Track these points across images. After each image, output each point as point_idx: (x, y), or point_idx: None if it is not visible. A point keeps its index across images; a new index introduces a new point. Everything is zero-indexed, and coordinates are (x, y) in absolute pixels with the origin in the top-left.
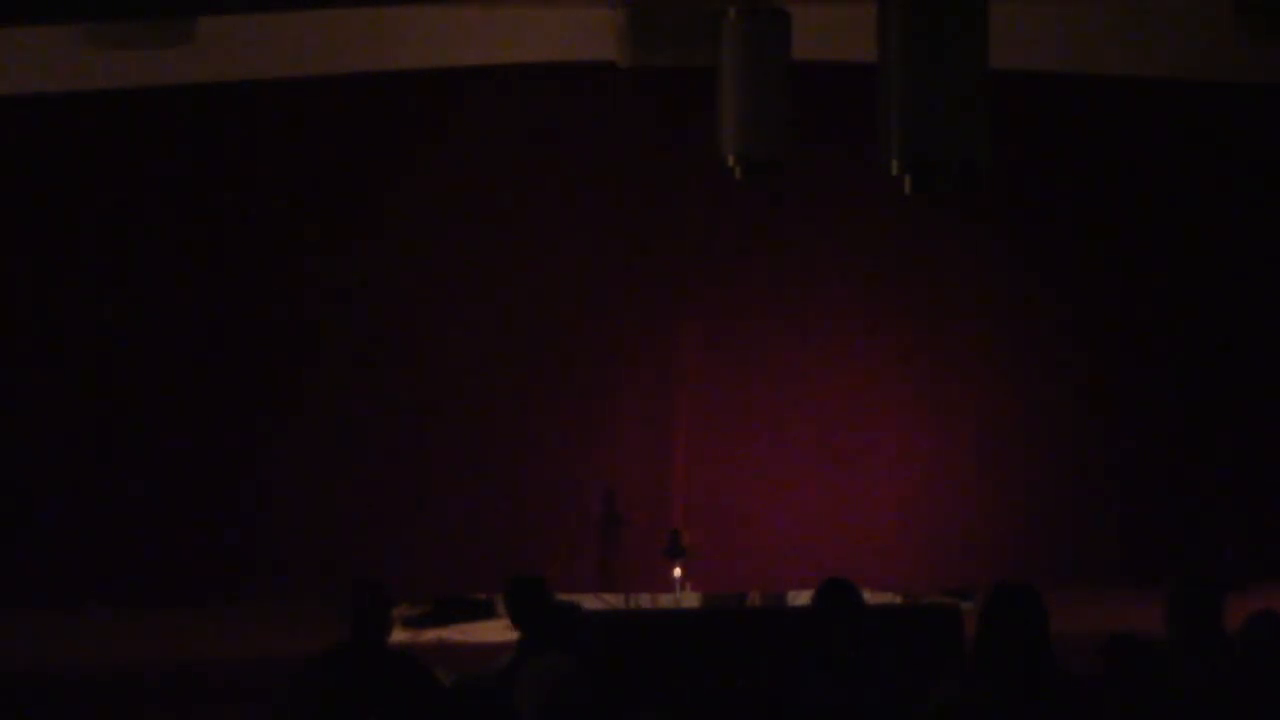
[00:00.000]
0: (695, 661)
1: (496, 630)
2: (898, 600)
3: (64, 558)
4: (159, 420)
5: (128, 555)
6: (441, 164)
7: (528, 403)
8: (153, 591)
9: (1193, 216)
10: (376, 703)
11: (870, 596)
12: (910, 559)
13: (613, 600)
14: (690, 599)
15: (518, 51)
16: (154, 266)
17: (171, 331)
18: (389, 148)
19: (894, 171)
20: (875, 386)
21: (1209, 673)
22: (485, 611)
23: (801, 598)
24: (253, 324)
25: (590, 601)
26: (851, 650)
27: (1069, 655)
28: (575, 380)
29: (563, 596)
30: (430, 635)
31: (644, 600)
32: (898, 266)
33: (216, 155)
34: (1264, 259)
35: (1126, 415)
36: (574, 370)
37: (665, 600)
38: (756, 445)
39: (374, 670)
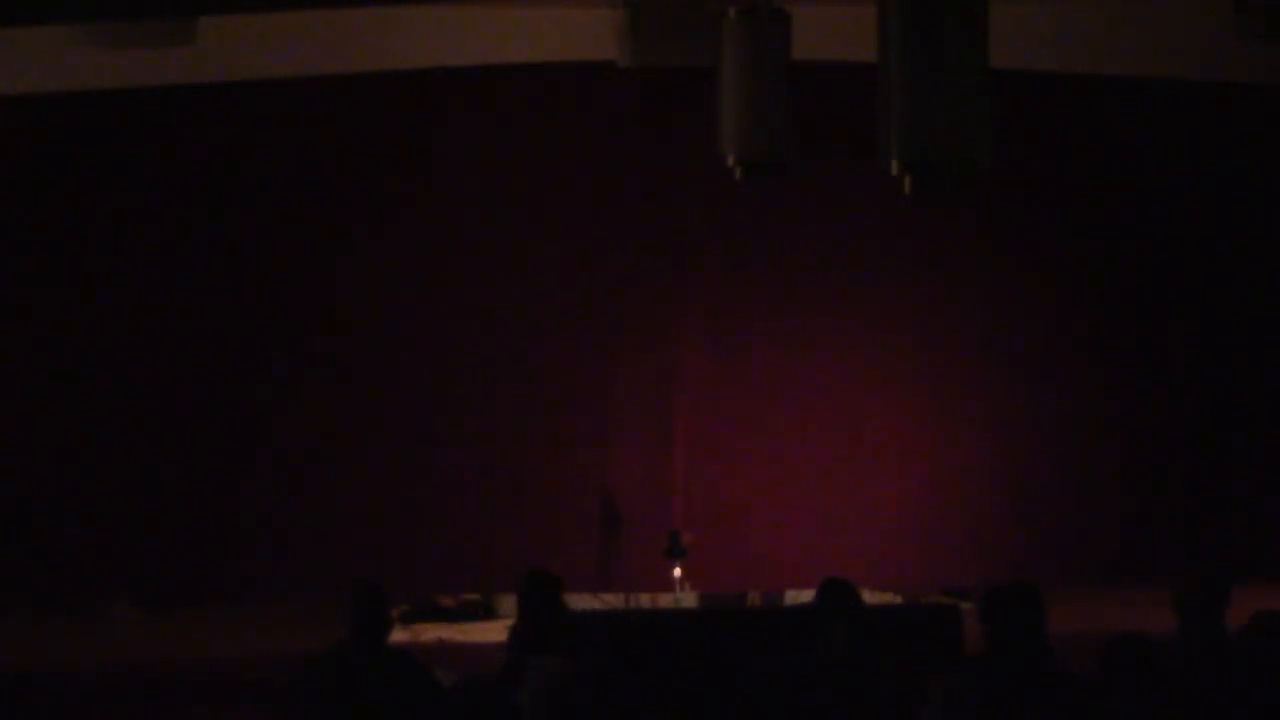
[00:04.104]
0: (695, 661)
1: (496, 630)
2: (898, 600)
3: (65, 559)
4: (159, 421)
5: (128, 556)
6: (442, 163)
7: (528, 403)
8: (152, 592)
9: (1193, 216)
10: (376, 703)
11: (870, 596)
12: (910, 559)
13: (613, 600)
14: (690, 599)
15: (518, 51)
16: (155, 266)
17: (171, 331)
18: (389, 147)
19: (894, 171)
20: (875, 387)
21: (1210, 671)
22: (470, 614)
23: (801, 598)
24: (253, 323)
25: (590, 601)
26: (851, 650)
27: (1069, 655)
28: (575, 380)
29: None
30: (430, 635)
31: (644, 600)
32: (897, 267)
33: (217, 155)
34: (1264, 258)
35: (1127, 414)
36: (574, 370)
37: (665, 600)
38: (756, 445)
39: (374, 670)
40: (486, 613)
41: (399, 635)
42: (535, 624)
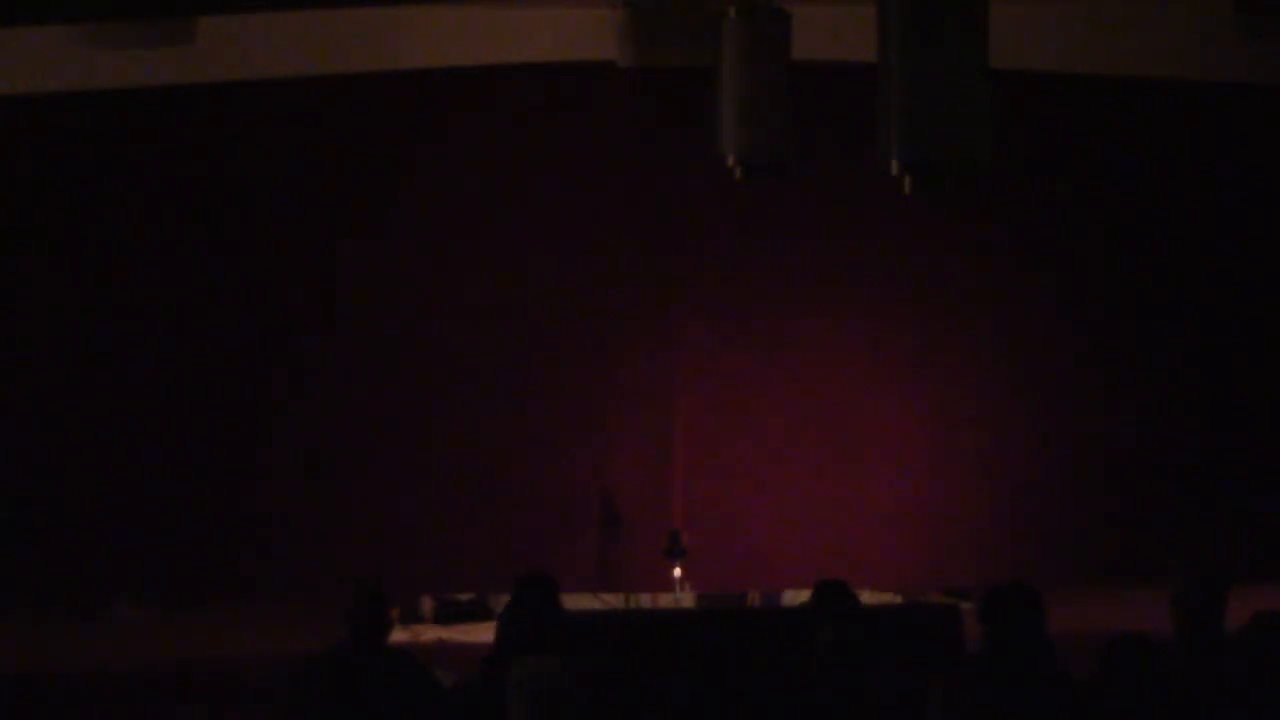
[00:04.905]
0: (695, 661)
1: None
2: (898, 600)
3: (66, 558)
4: (158, 421)
5: (128, 557)
6: (441, 163)
7: (527, 402)
8: (152, 592)
9: (1193, 216)
10: (376, 703)
11: (870, 596)
12: (910, 559)
13: (613, 600)
14: (690, 599)
15: (518, 51)
16: (155, 265)
17: (171, 331)
18: (389, 147)
19: (894, 171)
20: (875, 386)
21: (1210, 672)
22: (476, 614)
23: (800, 598)
24: (253, 323)
25: (590, 601)
26: (847, 651)
27: (1069, 655)
28: (575, 379)
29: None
30: (430, 635)
31: (644, 600)
32: (897, 267)
33: (216, 155)
34: (1264, 259)
35: (1127, 414)
36: (573, 369)
37: (665, 600)
38: (756, 445)
39: (374, 670)
40: (484, 613)
41: (399, 635)
42: (532, 624)
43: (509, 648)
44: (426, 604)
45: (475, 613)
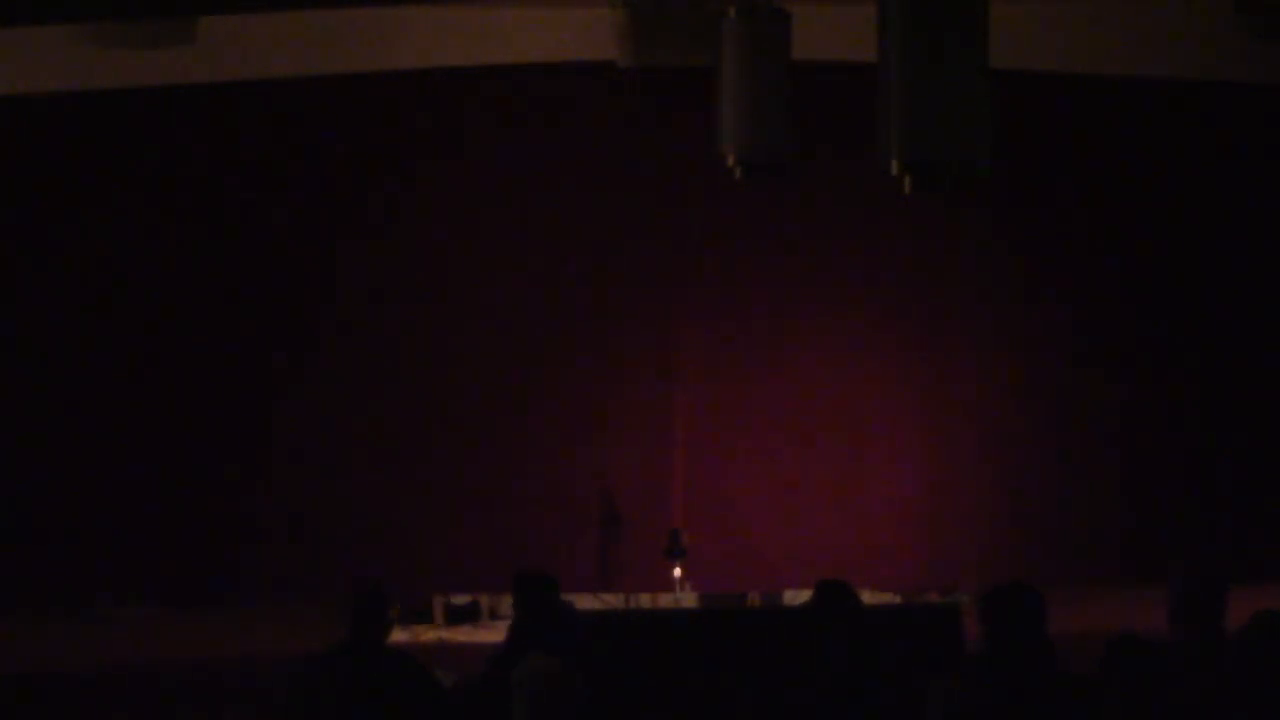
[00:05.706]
0: (695, 661)
1: (496, 630)
2: (897, 600)
3: (64, 559)
4: (158, 421)
5: (127, 556)
6: (441, 163)
7: (527, 402)
8: (152, 592)
9: (1193, 216)
10: (376, 703)
11: (869, 596)
12: (910, 559)
13: (613, 600)
14: (690, 599)
15: (518, 51)
16: (155, 265)
17: (171, 331)
18: (389, 147)
19: (894, 171)
20: (875, 387)
21: (1209, 672)
22: (469, 616)
23: (800, 598)
24: (253, 324)
25: (590, 601)
26: (847, 651)
27: (1069, 655)
28: (575, 380)
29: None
30: (430, 635)
31: (644, 600)
32: (897, 267)
33: (217, 155)
34: (1264, 258)
35: (1127, 414)
36: (574, 369)
37: (665, 600)
38: (756, 445)
39: (374, 670)
40: (470, 616)
41: (399, 635)
42: (533, 624)
43: (519, 647)
44: (438, 605)
45: (471, 614)
